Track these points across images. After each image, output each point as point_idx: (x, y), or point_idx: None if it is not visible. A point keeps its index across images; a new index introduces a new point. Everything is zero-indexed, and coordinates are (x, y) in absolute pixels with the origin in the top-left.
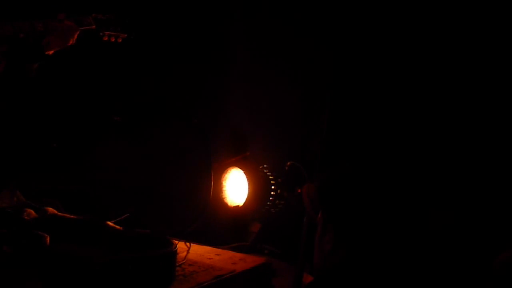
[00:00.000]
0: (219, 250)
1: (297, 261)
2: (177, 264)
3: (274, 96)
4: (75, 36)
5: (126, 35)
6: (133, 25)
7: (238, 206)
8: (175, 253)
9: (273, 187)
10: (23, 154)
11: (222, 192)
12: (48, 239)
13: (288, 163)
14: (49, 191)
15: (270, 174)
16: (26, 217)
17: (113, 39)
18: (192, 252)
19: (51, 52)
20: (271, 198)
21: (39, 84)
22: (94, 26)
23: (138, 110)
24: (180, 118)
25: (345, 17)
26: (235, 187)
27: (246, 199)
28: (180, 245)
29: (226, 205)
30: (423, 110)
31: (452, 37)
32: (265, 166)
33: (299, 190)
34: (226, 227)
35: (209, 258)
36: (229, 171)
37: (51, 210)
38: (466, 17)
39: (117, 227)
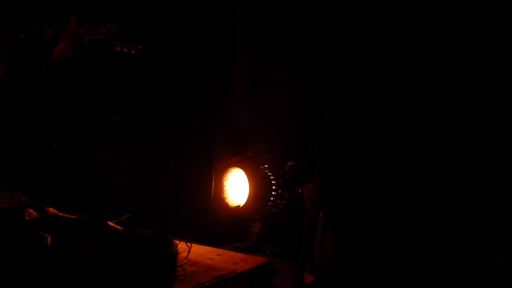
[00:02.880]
0: (220, 250)
1: (298, 261)
2: (178, 264)
3: (275, 96)
4: (86, 43)
5: (140, 47)
6: (148, 36)
7: (239, 206)
8: (176, 253)
9: (274, 187)
10: (24, 154)
11: (223, 192)
12: (49, 239)
13: (289, 163)
14: (50, 191)
15: (271, 174)
16: (27, 217)
17: (125, 50)
18: (193, 252)
19: (62, 59)
20: (272, 198)
21: (39, 84)
22: (106, 36)
23: (139, 110)
24: (181, 118)
25: (346, 17)
26: (236, 187)
27: (247, 199)
28: (181, 245)
29: (227, 205)
30: (425, 110)
31: (453, 35)
32: (266, 166)
33: (300, 190)
34: (227, 227)
35: (210, 258)
36: (230, 171)
37: (51, 210)
38: (467, 15)
39: (118, 227)
